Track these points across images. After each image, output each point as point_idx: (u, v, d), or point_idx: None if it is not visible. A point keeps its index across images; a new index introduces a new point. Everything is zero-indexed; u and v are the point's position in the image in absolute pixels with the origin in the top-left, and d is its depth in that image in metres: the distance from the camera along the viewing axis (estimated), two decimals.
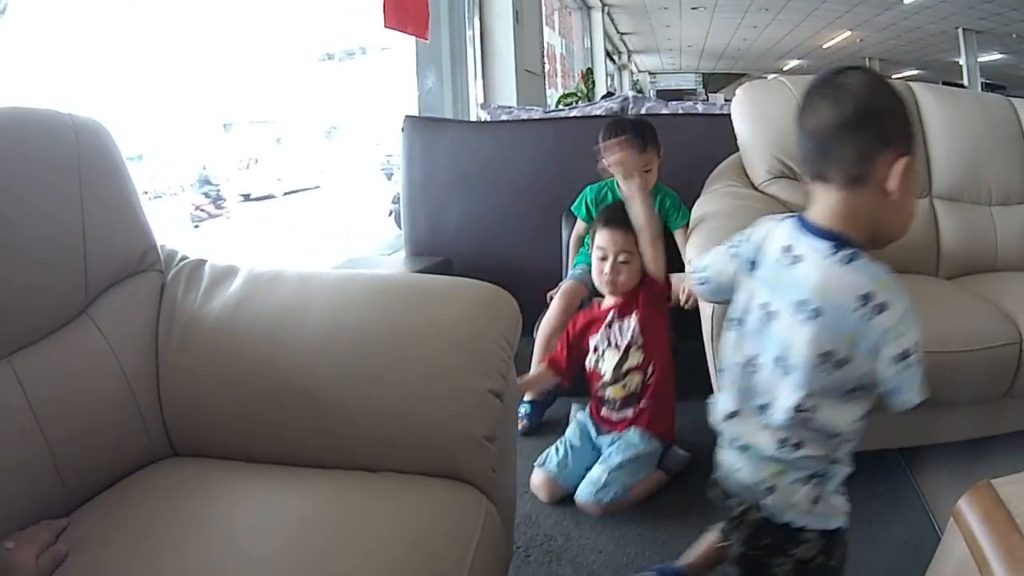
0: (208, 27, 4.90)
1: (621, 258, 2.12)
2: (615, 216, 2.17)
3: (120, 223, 1.39)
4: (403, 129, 3.22)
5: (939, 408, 2.03)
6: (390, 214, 6.78)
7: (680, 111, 3.25)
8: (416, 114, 5.07)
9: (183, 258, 1.51)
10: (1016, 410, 2.05)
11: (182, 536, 1.08)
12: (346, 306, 1.35)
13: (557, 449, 2.11)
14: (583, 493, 1.99)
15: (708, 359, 2.03)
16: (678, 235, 2.61)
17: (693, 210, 2.30)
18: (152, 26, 4.26)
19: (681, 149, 2.92)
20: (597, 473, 2.01)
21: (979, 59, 15.38)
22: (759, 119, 2.56)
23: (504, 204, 3.09)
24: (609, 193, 2.67)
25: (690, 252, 1.99)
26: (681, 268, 2.29)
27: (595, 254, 2.19)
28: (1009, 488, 0.77)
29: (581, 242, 2.70)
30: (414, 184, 3.19)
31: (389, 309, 1.34)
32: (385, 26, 3.99)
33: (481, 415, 1.23)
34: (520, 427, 2.44)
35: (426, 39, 4.57)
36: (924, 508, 1.99)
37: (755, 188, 2.50)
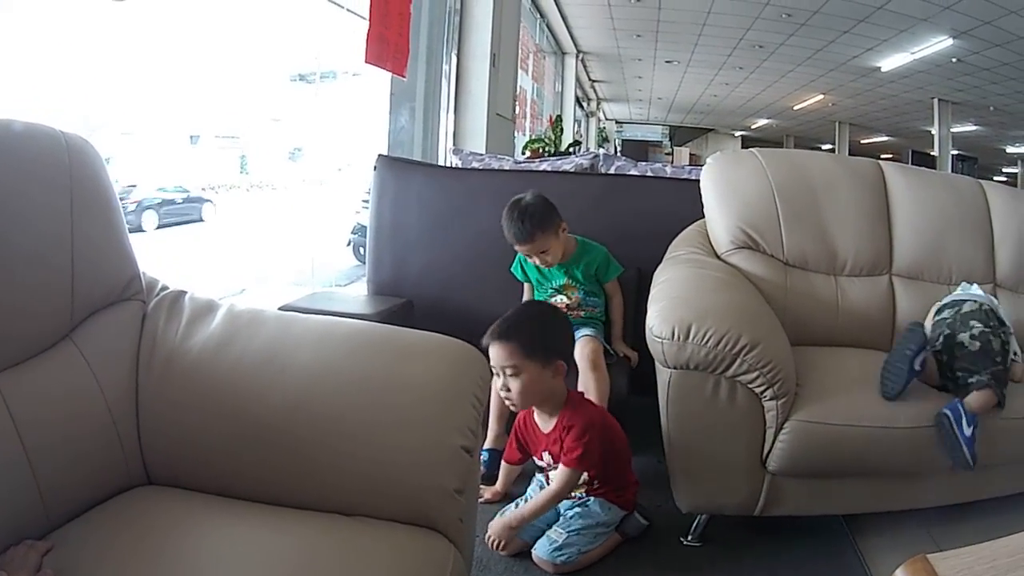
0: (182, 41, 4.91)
1: (508, 372, 1.98)
2: (498, 328, 2.00)
3: (108, 248, 1.40)
4: (375, 168, 3.19)
5: (883, 479, 2.10)
6: (348, 244, 6.79)
7: (649, 172, 3.29)
8: (385, 148, 5.09)
9: (163, 288, 1.51)
10: (958, 484, 2.13)
11: (151, 567, 1.09)
12: (330, 356, 1.38)
13: (518, 504, 2.12)
14: (541, 549, 2.03)
15: (661, 418, 2.07)
16: (609, 287, 2.72)
17: (656, 274, 2.31)
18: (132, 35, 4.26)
19: (648, 211, 2.99)
20: (556, 534, 2.05)
21: (953, 130, 15.23)
22: (728, 188, 2.58)
23: (470, 252, 3.06)
24: None
25: (651, 318, 1.99)
26: None
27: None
28: (943, 563, 0.83)
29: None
30: (382, 223, 3.15)
31: (371, 361, 1.38)
32: (366, 61, 4.04)
33: (453, 469, 1.28)
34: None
35: (404, 77, 4.62)
36: (865, 574, 2.05)
37: (717, 256, 2.53)
